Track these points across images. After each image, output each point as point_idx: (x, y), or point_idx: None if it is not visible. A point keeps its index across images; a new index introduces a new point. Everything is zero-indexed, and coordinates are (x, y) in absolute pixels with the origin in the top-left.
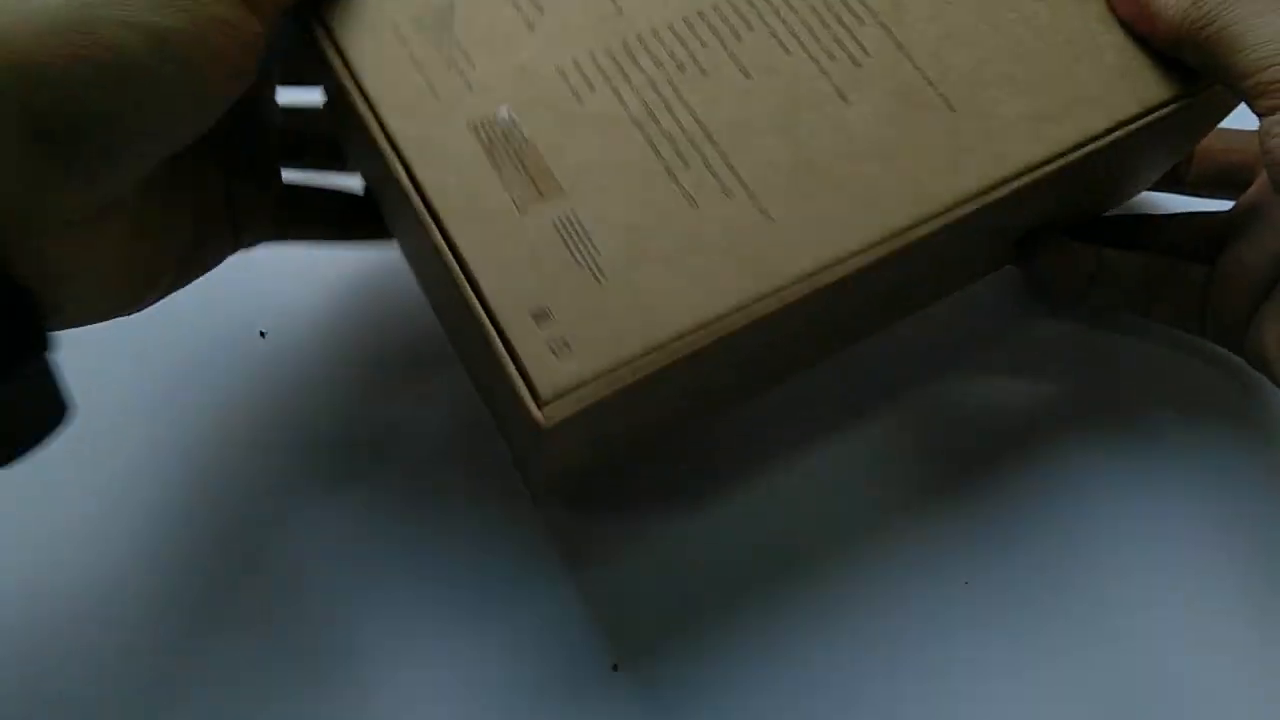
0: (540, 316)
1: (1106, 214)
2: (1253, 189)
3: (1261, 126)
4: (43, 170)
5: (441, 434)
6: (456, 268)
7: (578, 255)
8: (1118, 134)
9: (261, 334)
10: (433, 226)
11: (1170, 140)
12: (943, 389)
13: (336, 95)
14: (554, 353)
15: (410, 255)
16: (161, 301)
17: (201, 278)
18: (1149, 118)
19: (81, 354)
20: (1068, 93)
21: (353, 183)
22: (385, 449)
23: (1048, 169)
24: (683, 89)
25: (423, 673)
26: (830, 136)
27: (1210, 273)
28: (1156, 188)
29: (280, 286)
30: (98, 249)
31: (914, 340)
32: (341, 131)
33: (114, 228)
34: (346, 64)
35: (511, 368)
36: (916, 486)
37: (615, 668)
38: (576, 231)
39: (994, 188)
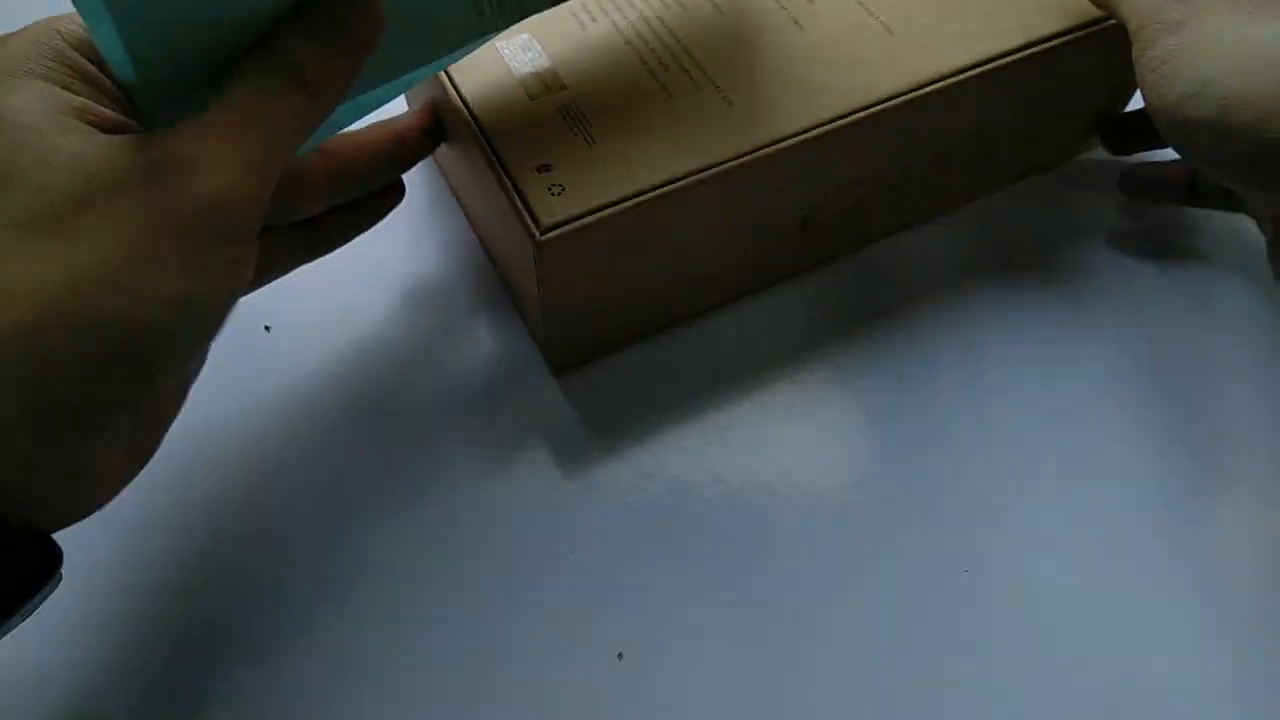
0: (543, 169)
1: None
2: None
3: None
4: (59, 448)
5: (442, 425)
6: (482, 138)
7: (575, 129)
8: (1035, 49)
9: (266, 328)
10: (465, 113)
11: (1094, 65)
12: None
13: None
14: (553, 193)
15: (465, 188)
16: None
17: None
18: (1062, 39)
19: None
20: (991, 17)
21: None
22: (387, 436)
23: (972, 73)
24: (666, 19)
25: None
26: (787, 49)
27: None
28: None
29: (285, 283)
30: (98, 470)
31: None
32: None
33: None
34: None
35: (519, 203)
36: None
37: None
38: (575, 113)
39: (925, 84)
